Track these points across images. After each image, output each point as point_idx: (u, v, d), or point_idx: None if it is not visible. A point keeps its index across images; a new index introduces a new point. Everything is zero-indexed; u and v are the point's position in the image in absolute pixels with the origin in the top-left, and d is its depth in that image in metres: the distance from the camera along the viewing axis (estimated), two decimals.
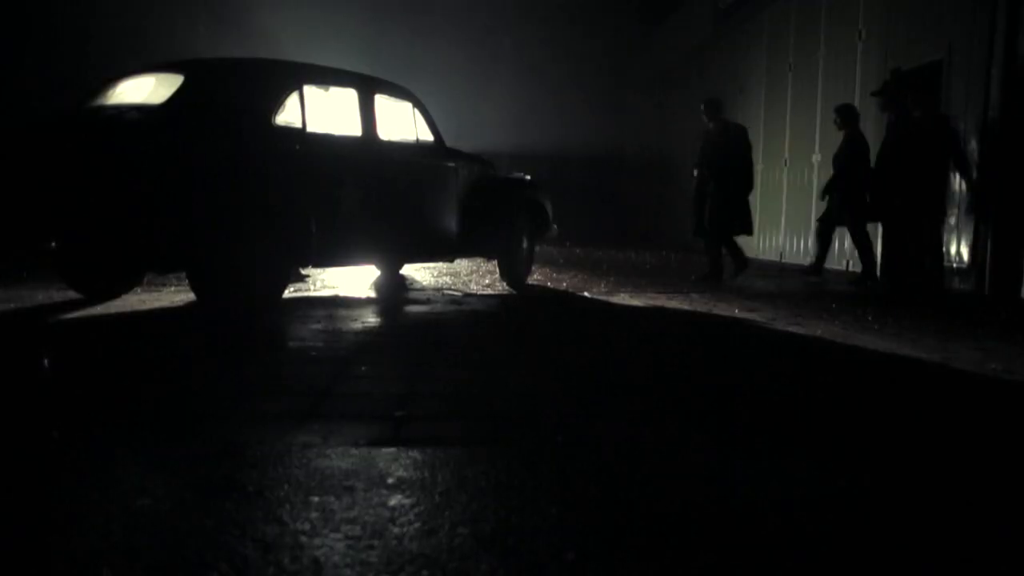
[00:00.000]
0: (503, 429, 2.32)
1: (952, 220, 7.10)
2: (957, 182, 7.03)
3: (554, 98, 18.63)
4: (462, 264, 8.98)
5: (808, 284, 7.48)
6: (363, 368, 3.17)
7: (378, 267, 7.21)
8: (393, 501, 1.70)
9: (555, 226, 7.30)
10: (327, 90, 5.29)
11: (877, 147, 7.34)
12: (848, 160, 7.50)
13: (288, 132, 4.84)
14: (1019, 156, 6.41)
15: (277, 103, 4.82)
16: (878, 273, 7.37)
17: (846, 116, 7.68)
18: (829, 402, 2.81)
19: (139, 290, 5.56)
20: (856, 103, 9.28)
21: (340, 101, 5.36)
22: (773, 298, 6.19)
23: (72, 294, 5.09)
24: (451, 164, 6.22)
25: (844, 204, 7.51)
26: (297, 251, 4.84)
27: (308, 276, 6.94)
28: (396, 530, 1.55)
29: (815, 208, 10.28)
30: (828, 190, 7.75)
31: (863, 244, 7.52)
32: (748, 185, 7.52)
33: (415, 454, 2.03)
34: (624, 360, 3.59)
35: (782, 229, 11.21)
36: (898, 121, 6.59)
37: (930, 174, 6.51)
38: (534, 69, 18.89)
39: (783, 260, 10.98)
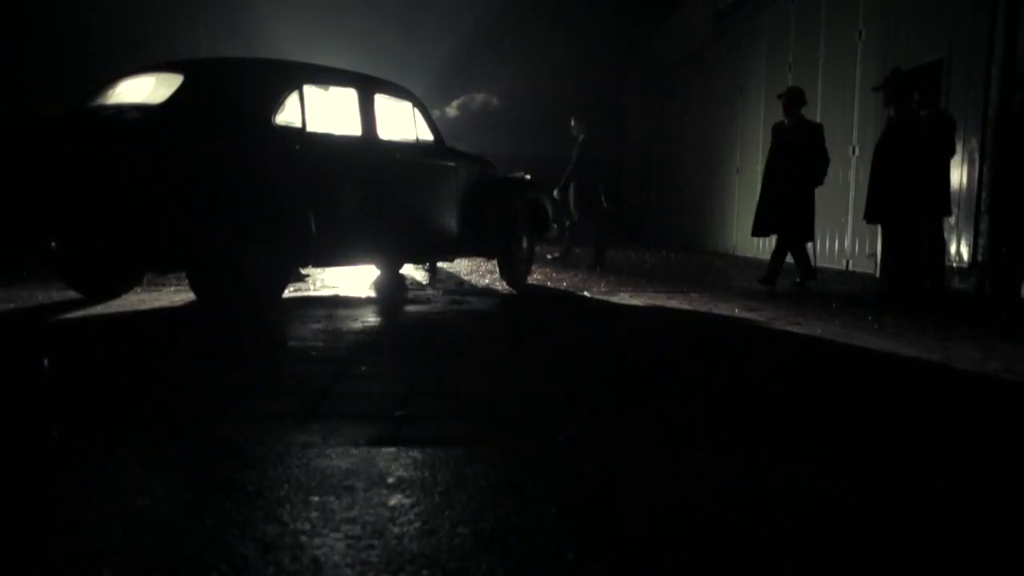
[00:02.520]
0: (503, 429, 2.32)
1: (952, 219, 7.08)
2: (959, 179, 7.02)
3: (554, 98, 18.62)
4: (462, 264, 8.98)
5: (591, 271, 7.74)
6: (363, 368, 3.17)
7: (378, 267, 7.21)
8: (393, 501, 1.70)
9: (555, 225, 7.30)
10: (327, 90, 5.29)
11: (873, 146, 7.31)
12: (580, 162, 9.14)
13: (288, 132, 4.84)
14: (1019, 156, 6.40)
15: (277, 103, 4.82)
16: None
17: (582, 121, 9.30)
18: (829, 402, 2.81)
19: (139, 290, 5.56)
20: (856, 102, 9.30)
21: (340, 101, 5.36)
22: (773, 298, 6.19)
23: (72, 294, 5.09)
24: (451, 164, 6.22)
25: (576, 201, 9.14)
26: (297, 251, 4.84)
27: (308, 276, 6.94)
28: (396, 530, 1.55)
29: (815, 208, 10.28)
30: (563, 189, 9.29)
31: (594, 238, 9.17)
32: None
33: (415, 454, 2.03)
34: (624, 360, 3.59)
35: None
36: (897, 118, 6.58)
37: (930, 171, 6.49)
38: (534, 69, 18.89)
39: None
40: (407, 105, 5.91)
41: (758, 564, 1.46)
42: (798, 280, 7.09)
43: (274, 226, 4.66)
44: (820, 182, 6.93)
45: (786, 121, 6.99)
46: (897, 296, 6.22)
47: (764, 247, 11.71)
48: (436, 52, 17.90)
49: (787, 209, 6.83)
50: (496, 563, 1.42)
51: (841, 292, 6.87)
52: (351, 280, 6.99)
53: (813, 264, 7.27)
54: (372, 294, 6.08)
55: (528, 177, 7.31)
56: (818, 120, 10.31)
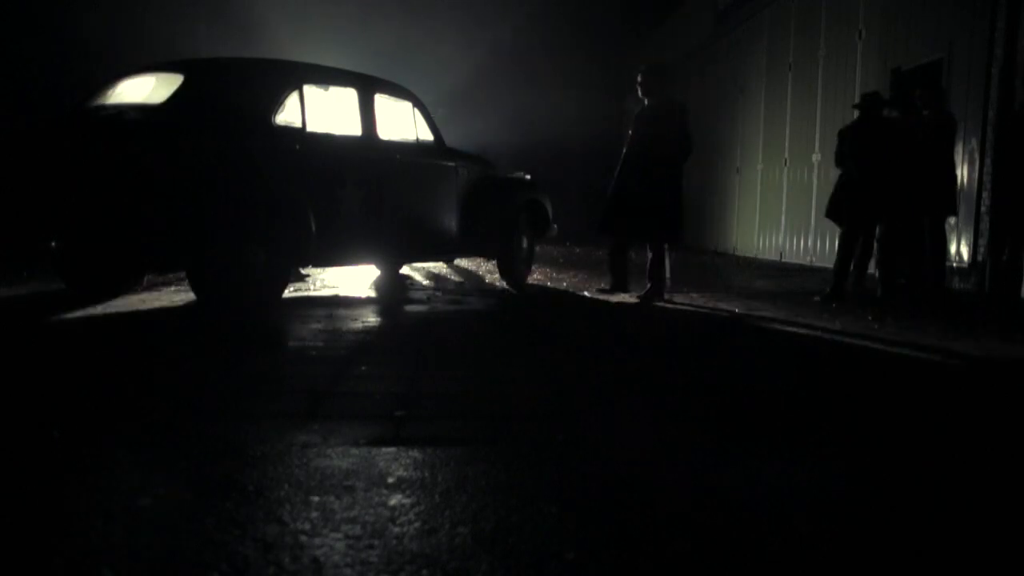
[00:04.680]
0: (503, 429, 2.32)
1: (952, 219, 7.08)
2: (959, 180, 7.01)
3: (554, 98, 18.62)
4: (462, 264, 8.98)
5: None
6: (363, 368, 3.17)
7: (378, 267, 7.21)
8: (393, 501, 1.70)
9: (555, 225, 7.30)
10: (327, 90, 5.29)
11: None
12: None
13: (288, 132, 4.84)
14: (1019, 156, 6.40)
15: (277, 103, 4.82)
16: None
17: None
18: (829, 402, 2.81)
19: (139, 290, 5.56)
20: (856, 102, 9.29)
21: (340, 101, 5.36)
22: (773, 298, 6.19)
23: (72, 294, 5.09)
24: (451, 164, 6.22)
25: None
26: (297, 251, 4.84)
27: (308, 276, 6.94)
28: (396, 530, 1.55)
29: (816, 207, 10.29)
30: None
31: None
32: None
33: (415, 454, 2.03)
34: (624, 359, 3.59)
35: (782, 228, 11.22)
36: (873, 128, 6.60)
37: (930, 171, 6.52)
38: (534, 69, 18.89)
39: (783, 259, 10.98)
40: (407, 105, 5.91)
41: (758, 564, 1.46)
42: (643, 294, 5.78)
43: (274, 226, 4.66)
44: (682, 162, 5.91)
45: (646, 102, 5.95)
46: (891, 297, 6.24)
47: (765, 247, 11.72)
48: (433, 49, 17.89)
49: (650, 207, 5.68)
50: (496, 563, 1.41)
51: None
52: (351, 280, 6.99)
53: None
54: (372, 294, 6.08)
55: (528, 177, 7.30)
56: (817, 119, 10.35)
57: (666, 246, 5.83)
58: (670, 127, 5.80)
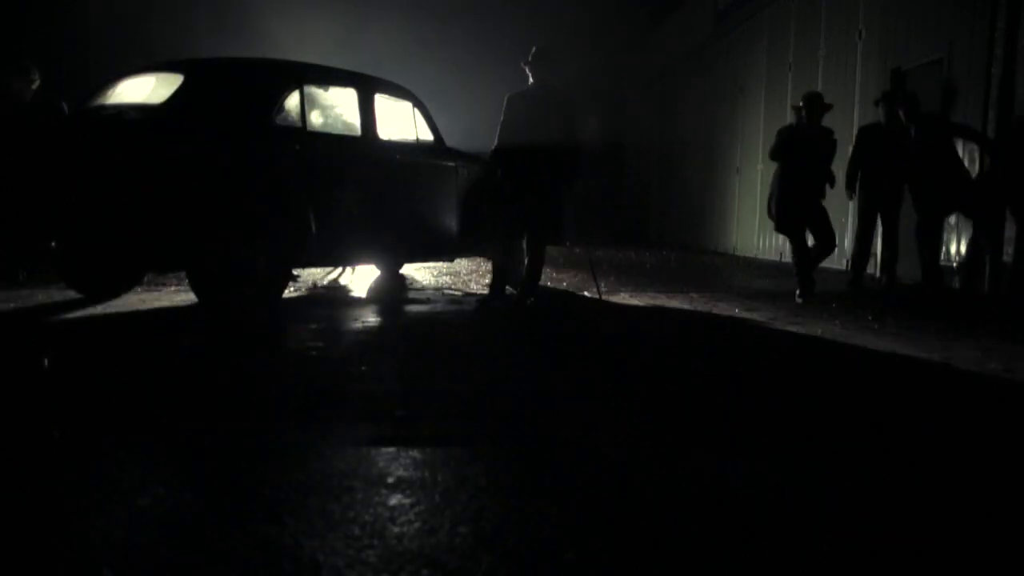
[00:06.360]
0: (503, 429, 2.32)
1: (952, 219, 7.08)
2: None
3: None
4: (462, 264, 8.98)
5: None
6: (363, 368, 3.17)
7: (378, 267, 7.21)
8: (393, 501, 1.70)
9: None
10: (327, 89, 5.29)
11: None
12: None
13: (288, 131, 4.84)
14: (1019, 156, 6.40)
15: (277, 103, 4.82)
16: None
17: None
18: (831, 403, 2.81)
19: (139, 290, 5.56)
20: (856, 102, 9.30)
21: (340, 101, 5.36)
22: (773, 298, 6.18)
23: (72, 294, 5.09)
24: (451, 164, 6.22)
25: None
26: (297, 251, 4.84)
27: (299, 276, 6.92)
28: (396, 529, 1.55)
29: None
30: None
31: None
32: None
33: (415, 454, 2.03)
34: (624, 360, 3.59)
35: None
36: (807, 129, 6.68)
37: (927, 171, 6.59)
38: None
39: (783, 259, 10.97)
40: (407, 105, 5.91)
41: (758, 565, 1.46)
42: (518, 295, 5.30)
43: (274, 226, 4.66)
44: (574, 174, 5.22)
45: (531, 83, 5.22)
46: (856, 290, 6.47)
47: (766, 247, 11.72)
48: (430, 47, 17.87)
49: (532, 205, 5.11)
50: (496, 563, 1.41)
51: (841, 292, 6.86)
52: (351, 280, 6.99)
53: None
54: (372, 294, 6.08)
55: None
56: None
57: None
58: (551, 114, 5.08)
